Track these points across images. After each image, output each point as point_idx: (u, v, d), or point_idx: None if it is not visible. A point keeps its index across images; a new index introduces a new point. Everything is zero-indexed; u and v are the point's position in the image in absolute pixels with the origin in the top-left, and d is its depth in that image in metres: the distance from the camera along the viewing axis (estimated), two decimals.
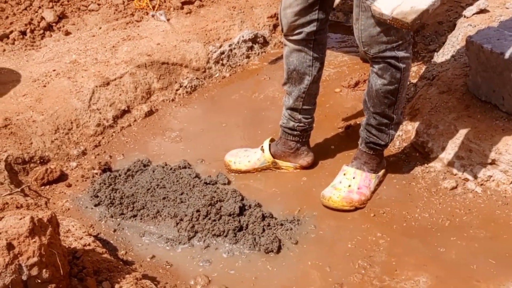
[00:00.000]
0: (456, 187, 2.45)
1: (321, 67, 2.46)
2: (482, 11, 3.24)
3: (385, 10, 1.89)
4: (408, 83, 3.09)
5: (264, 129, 2.93)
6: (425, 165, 2.58)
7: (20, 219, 1.54)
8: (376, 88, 2.27)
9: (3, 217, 1.57)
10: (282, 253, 2.20)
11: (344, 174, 2.45)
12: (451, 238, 2.23)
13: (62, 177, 2.57)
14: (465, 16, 3.29)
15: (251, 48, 3.62)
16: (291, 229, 2.29)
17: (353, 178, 2.43)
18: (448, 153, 2.52)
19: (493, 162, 2.40)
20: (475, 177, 2.44)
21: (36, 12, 3.52)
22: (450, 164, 2.50)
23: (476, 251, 2.16)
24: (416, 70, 3.27)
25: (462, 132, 2.50)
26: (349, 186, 2.41)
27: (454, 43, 3.15)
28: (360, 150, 2.47)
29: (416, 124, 2.68)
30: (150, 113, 3.06)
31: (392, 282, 2.05)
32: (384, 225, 2.31)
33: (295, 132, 2.56)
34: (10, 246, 1.48)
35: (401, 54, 2.18)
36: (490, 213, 2.33)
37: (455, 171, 2.49)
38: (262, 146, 2.63)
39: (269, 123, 2.98)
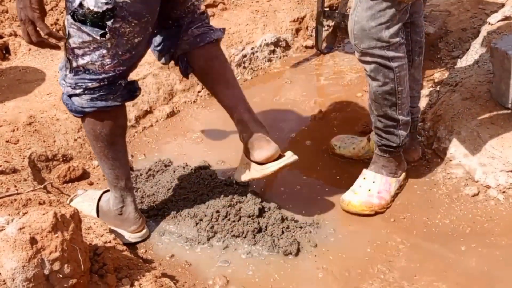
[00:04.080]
0: (477, 194, 2.43)
1: (421, 52, 2.46)
2: (507, 18, 3.22)
3: None
4: (432, 89, 3.09)
5: (284, 132, 2.94)
6: (447, 171, 2.56)
7: (44, 214, 1.56)
8: (373, 90, 2.26)
9: (26, 212, 1.59)
10: (301, 255, 2.20)
11: (364, 178, 2.44)
12: (472, 245, 2.21)
13: (84, 175, 2.60)
14: (489, 23, 3.27)
15: (273, 51, 3.63)
16: (311, 232, 2.29)
17: (373, 182, 2.42)
18: (470, 159, 2.50)
19: None
20: (497, 184, 2.41)
21: (62, 12, 3.57)
22: (472, 171, 2.48)
23: (497, 259, 2.14)
24: (439, 76, 3.25)
25: (485, 139, 2.48)
26: (369, 190, 2.40)
27: (478, 49, 3.12)
28: (376, 154, 2.46)
29: (438, 130, 2.67)
30: (172, 114, 3.09)
31: None
32: (404, 231, 2.30)
33: None
34: (33, 241, 1.50)
35: (391, 54, 2.16)
36: None
37: (477, 178, 2.46)
38: (369, 136, 2.64)
39: (290, 125, 2.99)
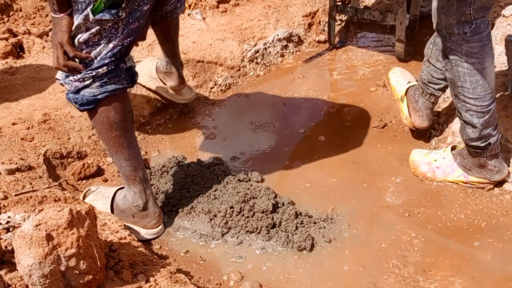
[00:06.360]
0: (493, 188, 2.41)
1: None
2: None
3: None
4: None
5: (296, 127, 2.93)
6: None
7: (59, 211, 1.57)
8: None
9: (42, 209, 1.61)
10: (315, 251, 2.20)
11: (444, 151, 2.48)
12: (487, 240, 2.19)
13: (99, 172, 2.62)
14: (504, 16, 3.24)
15: (285, 47, 3.63)
16: (325, 227, 2.29)
17: (444, 158, 2.44)
18: None
19: None
20: None
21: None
22: None
23: None
24: None
25: (500, 133, 2.46)
26: (435, 160, 2.44)
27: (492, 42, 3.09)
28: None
29: (453, 124, 2.65)
30: (185, 110, 3.09)
31: (426, 283, 2.03)
32: (418, 225, 2.29)
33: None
34: (49, 237, 1.51)
35: (448, 43, 2.15)
36: None
37: None
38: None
39: (302, 121, 2.99)
